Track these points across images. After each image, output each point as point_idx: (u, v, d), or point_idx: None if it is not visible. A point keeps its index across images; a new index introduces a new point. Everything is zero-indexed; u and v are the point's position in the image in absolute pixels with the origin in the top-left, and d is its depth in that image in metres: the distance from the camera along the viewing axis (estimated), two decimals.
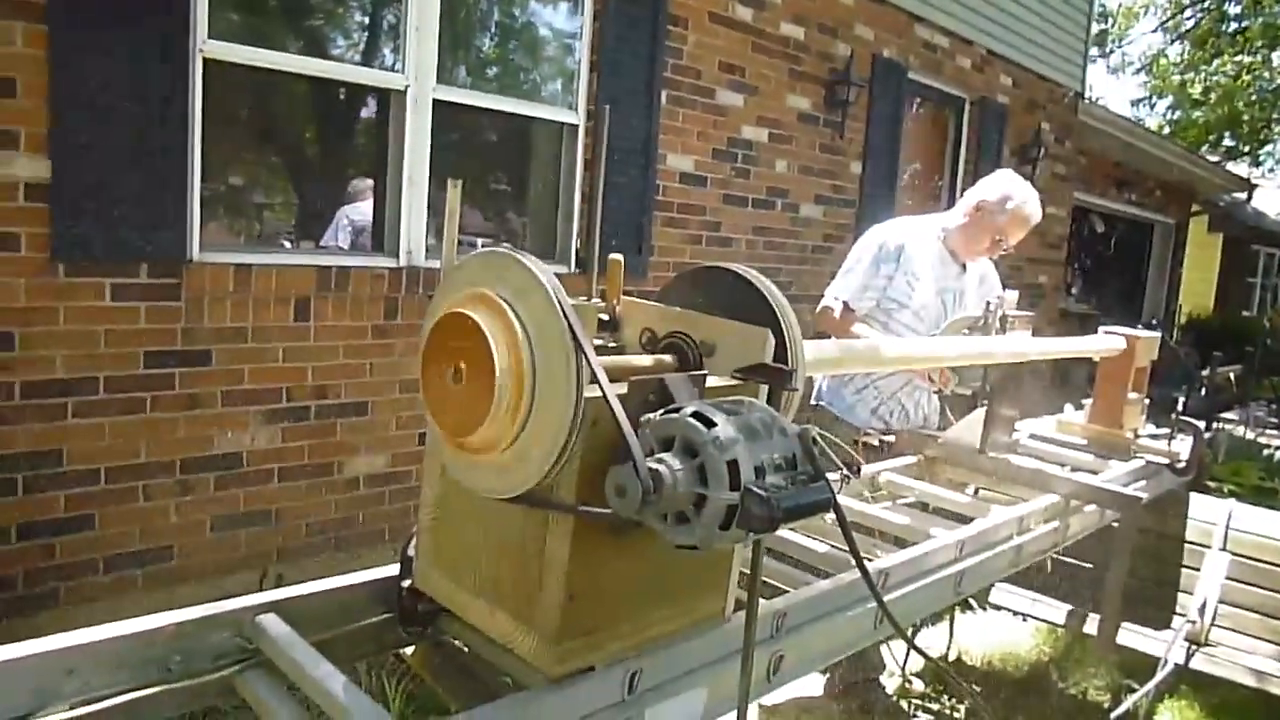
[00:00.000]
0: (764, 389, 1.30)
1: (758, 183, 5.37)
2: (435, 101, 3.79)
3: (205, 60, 3.17)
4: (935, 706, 3.30)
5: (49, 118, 2.87)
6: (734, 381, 1.29)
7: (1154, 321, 10.29)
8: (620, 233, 4.55)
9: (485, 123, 4.36)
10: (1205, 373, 10.15)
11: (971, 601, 3.67)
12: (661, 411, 1.08)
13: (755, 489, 0.99)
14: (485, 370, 1.07)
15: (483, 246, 1.20)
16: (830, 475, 1.14)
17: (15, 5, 2.81)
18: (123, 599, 3.18)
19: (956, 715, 3.27)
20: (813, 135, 5.71)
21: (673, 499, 1.02)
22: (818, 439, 1.10)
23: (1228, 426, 8.46)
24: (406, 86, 3.71)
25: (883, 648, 3.27)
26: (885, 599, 1.74)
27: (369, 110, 4.06)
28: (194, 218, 3.21)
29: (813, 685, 3.25)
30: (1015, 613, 3.28)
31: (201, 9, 3.14)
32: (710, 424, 1.03)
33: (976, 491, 2.66)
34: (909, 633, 3.35)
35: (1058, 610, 3.14)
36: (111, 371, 3.10)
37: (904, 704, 3.29)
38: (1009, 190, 2.98)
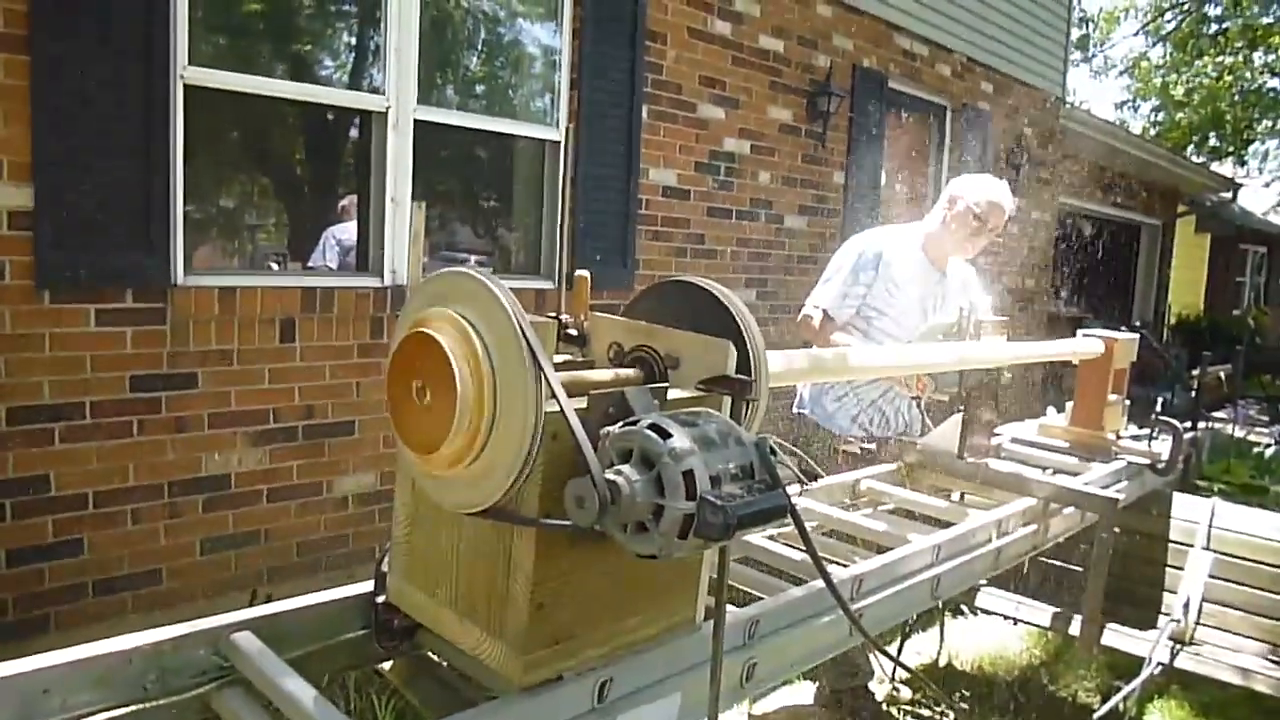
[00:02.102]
0: (727, 400, 1.33)
1: (741, 195, 5.42)
2: (416, 122, 3.83)
3: (186, 86, 3.20)
4: (925, 713, 3.32)
5: (31, 146, 2.90)
6: (698, 393, 1.31)
7: (1137, 323, 10.36)
8: (604, 247, 4.58)
9: (468, 141, 4.40)
10: (1195, 372, 10.22)
11: (963, 606, 3.69)
12: (620, 424, 1.11)
13: (711, 498, 1.01)
14: (447, 388, 1.10)
15: (474, 263, 1.23)
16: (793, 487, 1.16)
17: None
18: (114, 623, 3.18)
19: None
20: (795, 146, 5.76)
21: (631, 509, 1.04)
22: (775, 448, 1.13)
23: (1217, 425, 8.51)
24: (387, 108, 3.75)
25: (871, 655, 3.29)
26: (861, 604, 1.77)
27: (351, 132, 4.09)
28: (178, 242, 3.23)
29: (803, 694, 3.26)
30: (1005, 617, 3.29)
31: (182, 36, 3.18)
32: (666, 435, 1.05)
33: (962, 497, 2.69)
34: (897, 639, 3.38)
35: (1043, 613, 3.17)
36: (98, 396, 3.12)
37: (893, 711, 3.30)
38: (977, 180, 3.11)
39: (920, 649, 3.80)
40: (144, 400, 3.23)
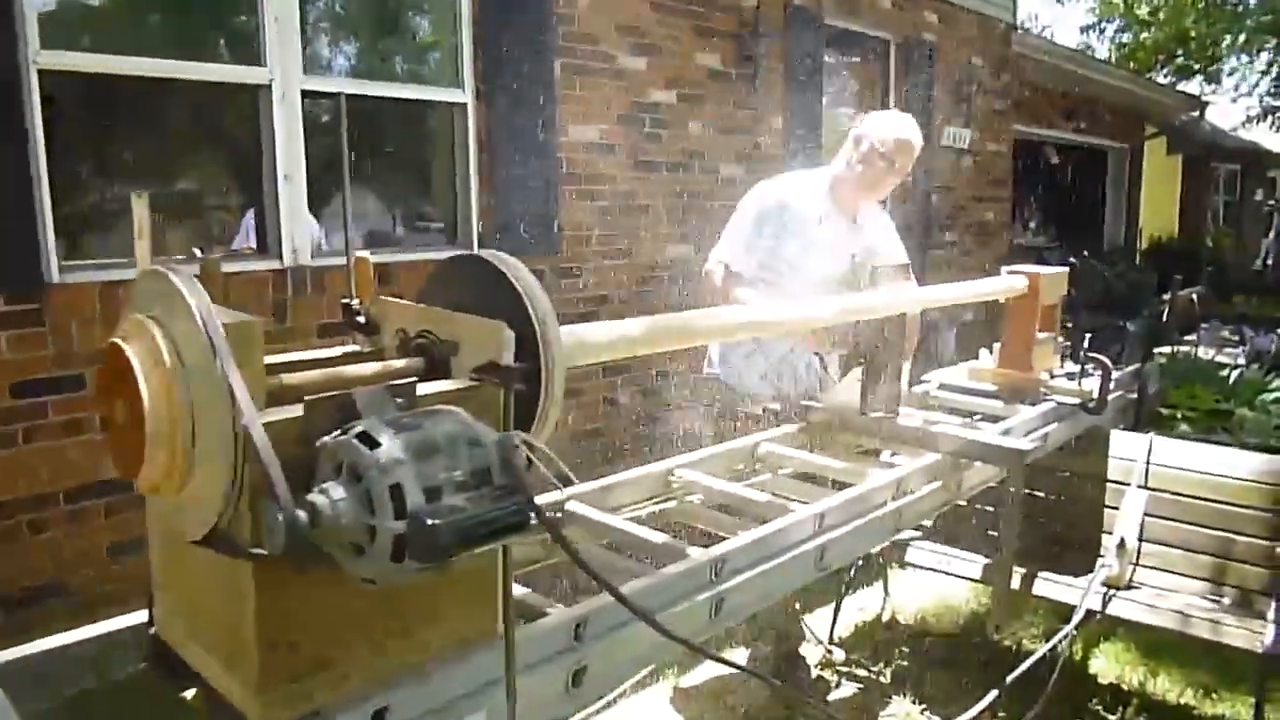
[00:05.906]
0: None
1: (671, 146, 5.22)
2: (305, 93, 3.63)
3: (40, 72, 3.00)
4: (860, 673, 3.23)
5: None
6: (471, 384, 1.18)
7: (1084, 253, 10.19)
8: (527, 211, 4.41)
9: (369, 110, 4.16)
10: (1165, 296, 10.11)
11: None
12: (339, 433, 0.97)
13: (422, 515, 0.88)
14: (137, 404, 0.96)
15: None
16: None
17: None
18: (22, 639, 3.06)
19: (882, 680, 3.20)
20: (726, 92, 5.55)
21: (338, 531, 0.91)
22: (521, 446, 0.99)
23: (1186, 349, 8.41)
24: (270, 80, 3.54)
25: (802, 620, 3.20)
26: (723, 587, 1.65)
27: (236, 108, 3.85)
28: (48, 239, 3.05)
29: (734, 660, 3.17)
30: (935, 570, 3.19)
31: (31, 19, 2.97)
32: (375, 444, 0.92)
33: (893, 455, 2.56)
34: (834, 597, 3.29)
35: (974, 566, 3.07)
36: None
37: (827, 674, 3.22)
38: (883, 118, 2.94)
39: (863, 605, 3.72)
40: (28, 407, 3.07)
